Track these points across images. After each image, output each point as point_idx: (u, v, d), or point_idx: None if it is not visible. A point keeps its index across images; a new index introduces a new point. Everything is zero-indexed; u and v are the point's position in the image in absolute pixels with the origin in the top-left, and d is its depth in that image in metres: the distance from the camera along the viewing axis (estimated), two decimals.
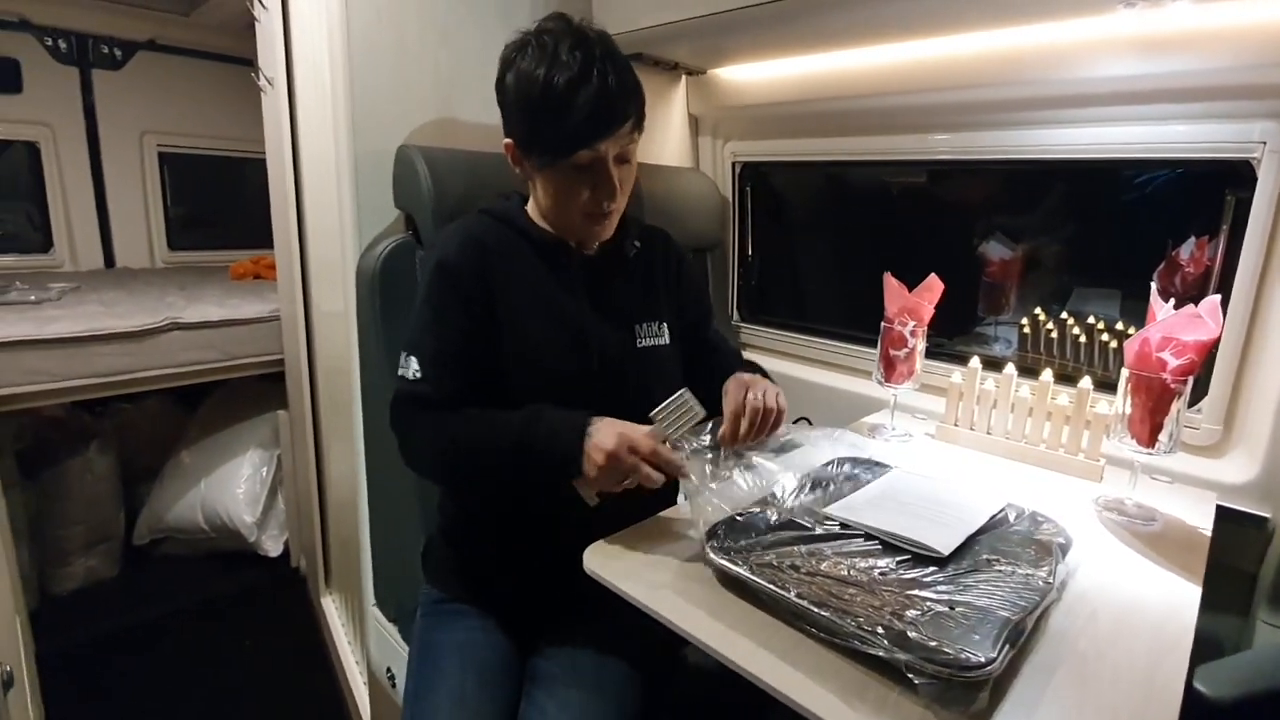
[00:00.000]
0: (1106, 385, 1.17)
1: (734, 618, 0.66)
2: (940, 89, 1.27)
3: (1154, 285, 0.94)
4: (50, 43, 2.62)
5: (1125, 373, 0.93)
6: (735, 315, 1.77)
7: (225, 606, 2.00)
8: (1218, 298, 0.86)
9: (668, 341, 0.98)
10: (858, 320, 1.61)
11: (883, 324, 1.18)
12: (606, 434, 0.75)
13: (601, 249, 0.96)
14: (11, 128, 2.60)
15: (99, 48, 2.72)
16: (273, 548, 2.17)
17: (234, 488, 2.11)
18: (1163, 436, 0.91)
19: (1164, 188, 1.33)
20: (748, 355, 1.70)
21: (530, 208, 0.95)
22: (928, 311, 1.16)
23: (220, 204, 3.16)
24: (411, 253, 1.09)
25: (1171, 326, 0.87)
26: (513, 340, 0.86)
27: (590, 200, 0.85)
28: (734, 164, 1.66)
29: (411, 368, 0.84)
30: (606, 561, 0.76)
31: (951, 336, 1.61)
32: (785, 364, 1.64)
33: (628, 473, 0.75)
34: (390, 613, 1.23)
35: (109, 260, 2.83)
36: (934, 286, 1.16)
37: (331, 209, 1.22)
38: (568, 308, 0.90)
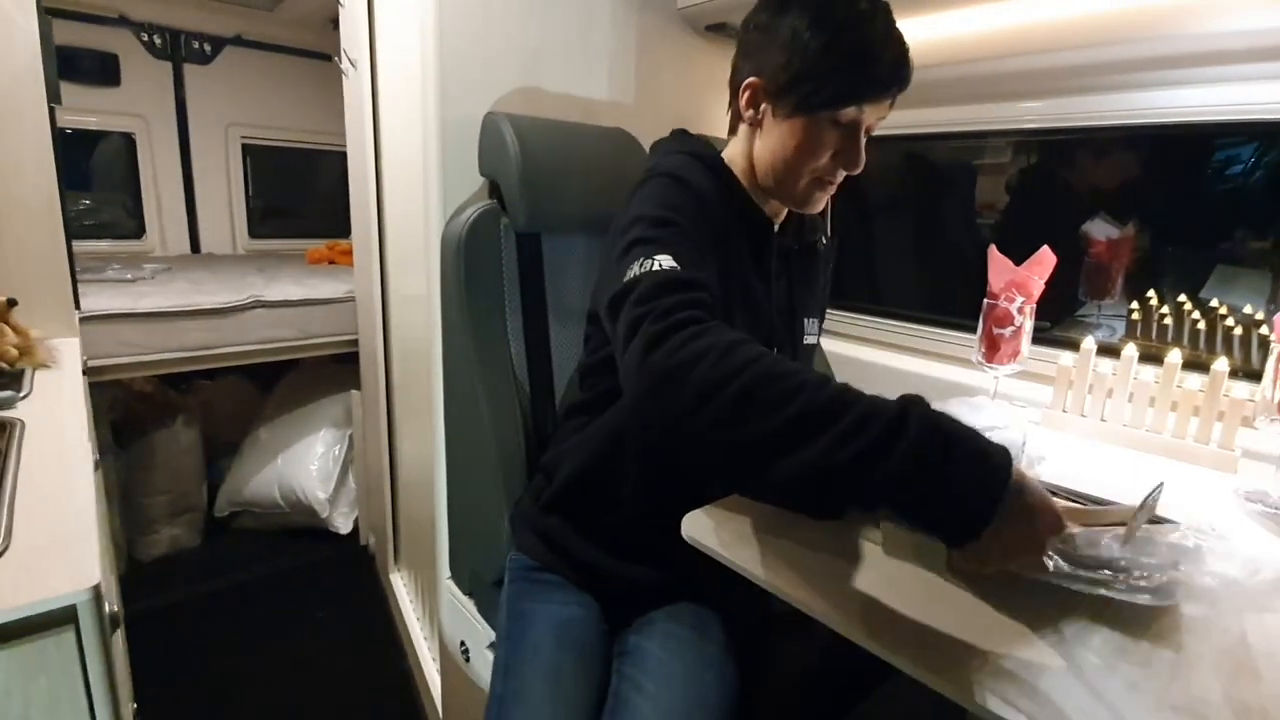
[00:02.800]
0: (1234, 374, 1.07)
1: (851, 587, 0.61)
2: (1046, 51, 1.18)
3: None
4: (146, 38, 2.76)
5: (1276, 349, 0.83)
6: None
7: (297, 580, 2.06)
8: None
9: (816, 341, 0.98)
10: (944, 304, 1.53)
11: (985, 300, 1.10)
12: (1039, 517, 0.51)
13: (795, 234, 0.92)
14: (110, 119, 2.75)
15: (190, 43, 2.85)
16: (343, 525, 2.21)
17: (308, 465, 2.16)
18: None
19: (1250, 166, 1.22)
20: (827, 342, 1.64)
21: (732, 159, 0.86)
22: (1037, 287, 1.07)
23: (298, 194, 3.27)
24: (496, 220, 1.07)
25: None
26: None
27: (828, 165, 0.79)
28: None
29: (660, 262, 0.64)
30: (709, 529, 0.72)
31: (1052, 322, 1.51)
32: (867, 350, 1.57)
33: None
34: (465, 585, 1.22)
35: (195, 246, 2.96)
36: (1045, 260, 1.07)
37: (414, 184, 1.22)
38: (761, 294, 0.85)
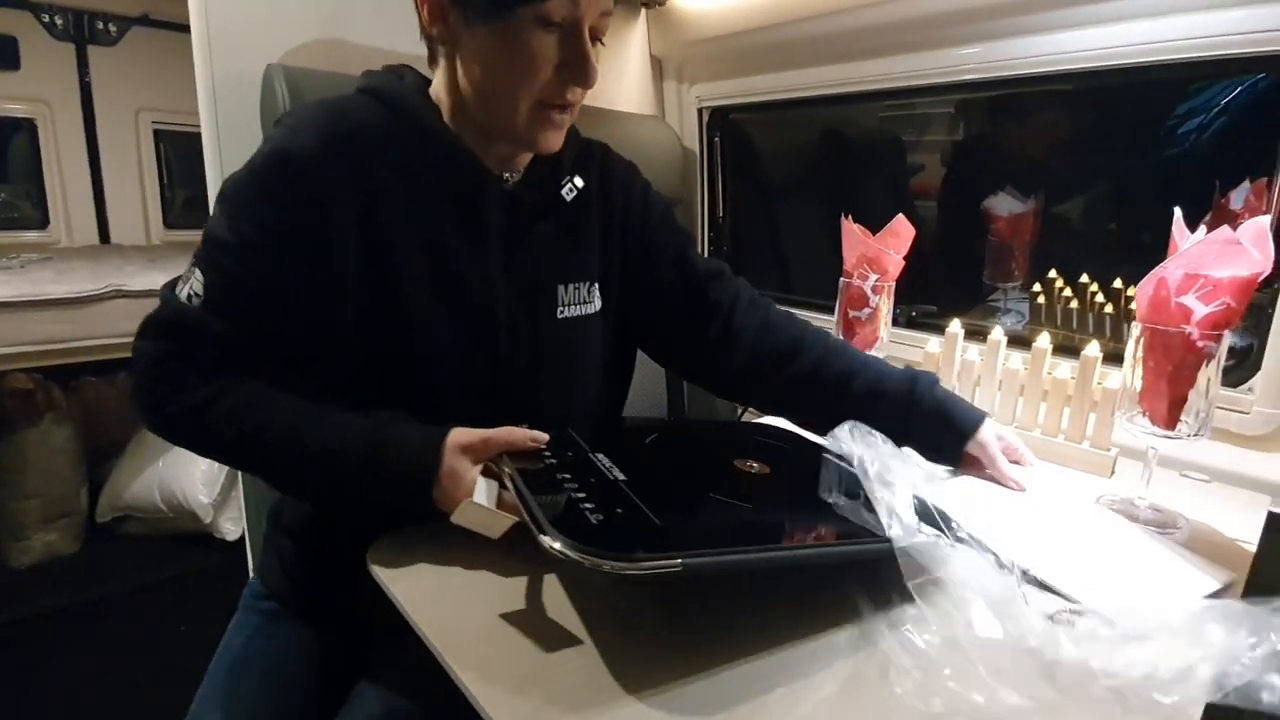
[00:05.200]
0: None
1: (511, 644, 0.47)
2: None
3: (1177, 211, 0.69)
4: (47, 19, 2.62)
5: (1136, 328, 0.69)
6: None
7: (174, 589, 1.92)
8: (1268, 219, 0.62)
9: (597, 309, 0.76)
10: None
11: (841, 279, 0.97)
12: (455, 486, 0.57)
13: (532, 182, 0.72)
14: (9, 104, 2.62)
15: (94, 24, 2.71)
16: (231, 531, 2.08)
17: (192, 468, 2.02)
18: (1187, 415, 0.67)
19: (1212, 117, 1.07)
20: None
21: (436, 97, 0.68)
22: (893, 262, 0.93)
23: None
24: None
25: (1198, 259, 0.63)
26: (382, 302, 0.62)
27: (553, 83, 0.61)
28: (700, 110, 1.45)
29: (192, 284, 0.59)
30: (397, 555, 0.59)
31: (964, 311, 1.37)
32: None
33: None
34: None
35: (104, 237, 2.82)
36: (901, 231, 0.93)
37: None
38: (473, 263, 0.66)
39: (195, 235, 2.64)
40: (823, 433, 0.78)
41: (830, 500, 0.56)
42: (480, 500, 0.55)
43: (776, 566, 0.48)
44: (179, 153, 2.97)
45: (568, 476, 0.54)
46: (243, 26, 0.98)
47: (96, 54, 2.73)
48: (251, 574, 1.50)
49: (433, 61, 0.68)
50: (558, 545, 0.43)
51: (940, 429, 0.72)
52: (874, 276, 0.93)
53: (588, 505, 0.49)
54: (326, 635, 0.73)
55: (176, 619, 1.80)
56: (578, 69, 0.61)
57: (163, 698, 1.56)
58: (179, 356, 0.60)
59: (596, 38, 0.62)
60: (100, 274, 1.86)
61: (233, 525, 2.08)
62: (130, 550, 2.08)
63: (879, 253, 0.92)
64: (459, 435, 0.58)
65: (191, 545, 2.08)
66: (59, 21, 2.65)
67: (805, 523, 0.57)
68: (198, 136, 3.21)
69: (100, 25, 2.72)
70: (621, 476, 0.55)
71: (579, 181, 0.74)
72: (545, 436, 0.60)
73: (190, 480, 2.01)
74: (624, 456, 0.60)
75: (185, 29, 3.01)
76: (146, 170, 2.89)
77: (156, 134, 2.89)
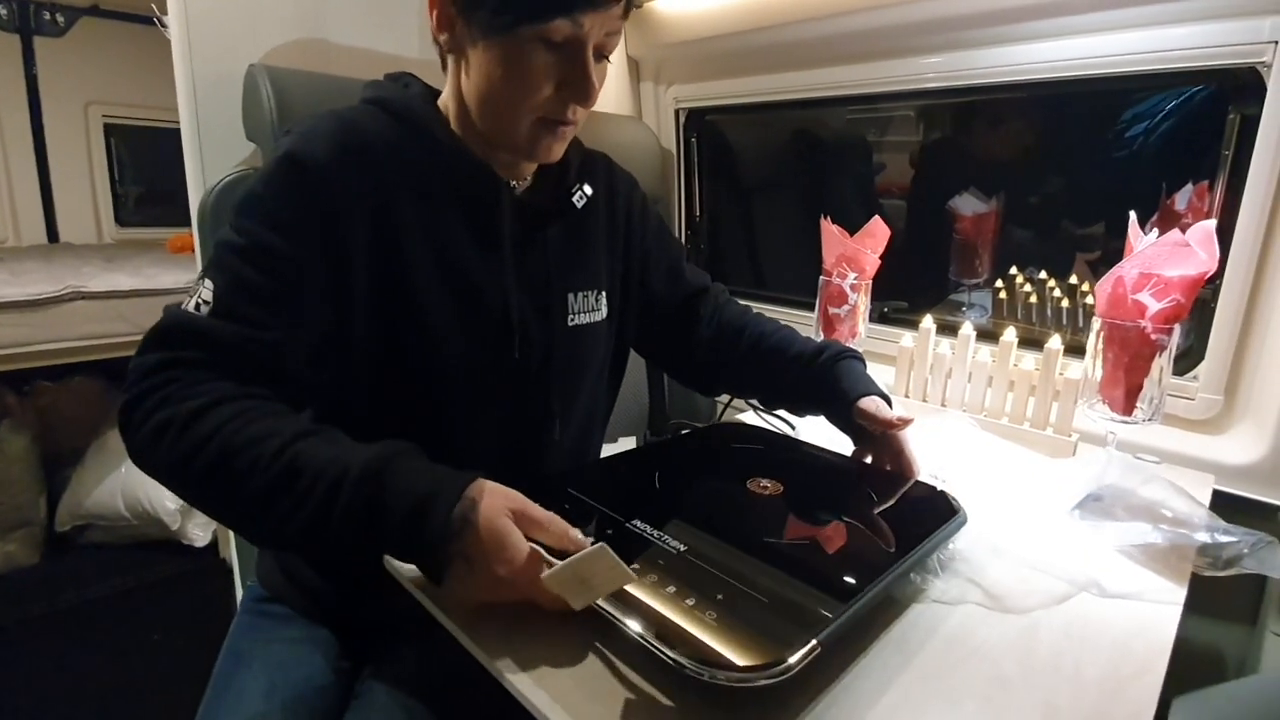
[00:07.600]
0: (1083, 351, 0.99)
1: (546, 644, 0.49)
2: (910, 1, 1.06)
3: (1132, 214, 0.75)
4: None
5: (1096, 323, 0.75)
6: None
7: (143, 598, 1.87)
8: (1212, 223, 0.68)
9: (604, 316, 0.77)
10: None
11: (820, 277, 1.01)
12: (498, 546, 0.48)
13: (540, 188, 0.73)
14: None
15: (41, 14, 2.59)
16: (200, 536, 2.03)
17: None
18: (1142, 402, 0.73)
19: (1157, 123, 1.15)
20: None
21: (445, 104, 0.69)
22: (870, 261, 0.98)
23: (174, 178, 3.02)
24: None
25: (1151, 260, 0.69)
26: (395, 311, 0.63)
27: (554, 99, 0.62)
28: (677, 111, 1.48)
29: (200, 294, 0.56)
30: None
31: (931, 305, 1.43)
32: None
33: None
34: None
35: (53, 236, 2.71)
36: (877, 232, 0.98)
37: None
38: (485, 269, 0.66)
39: (149, 233, 2.58)
40: (772, 403, 0.88)
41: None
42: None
43: (882, 597, 0.50)
44: (131, 148, 2.86)
45: (636, 567, 0.49)
46: (222, 27, 0.97)
47: (43, 45, 2.61)
48: (238, 577, 1.49)
49: (444, 67, 0.69)
50: (682, 660, 0.40)
51: (832, 393, 0.75)
52: (852, 275, 0.97)
53: (688, 600, 0.45)
54: (332, 634, 0.73)
55: (146, 628, 1.75)
56: (578, 88, 0.61)
57: (135, 708, 1.54)
58: (181, 364, 0.55)
59: (603, 55, 0.63)
60: (56, 275, 1.80)
61: (201, 531, 2.03)
62: (93, 559, 2.01)
63: (857, 252, 0.97)
64: (502, 496, 0.50)
65: (158, 552, 2.02)
66: (4, 12, 2.53)
67: (866, 541, 0.59)
68: (151, 131, 3.10)
69: (47, 15, 2.60)
70: (680, 546, 0.52)
71: (588, 190, 0.75)
72: (585, 541, 0.50)
73: (155, 486, 1.95)
74: (658, 516, 0.56)
75: (137, 19, 2.90)
76: (97, 166, 2.77)
77: (107, 128, 2.78)
